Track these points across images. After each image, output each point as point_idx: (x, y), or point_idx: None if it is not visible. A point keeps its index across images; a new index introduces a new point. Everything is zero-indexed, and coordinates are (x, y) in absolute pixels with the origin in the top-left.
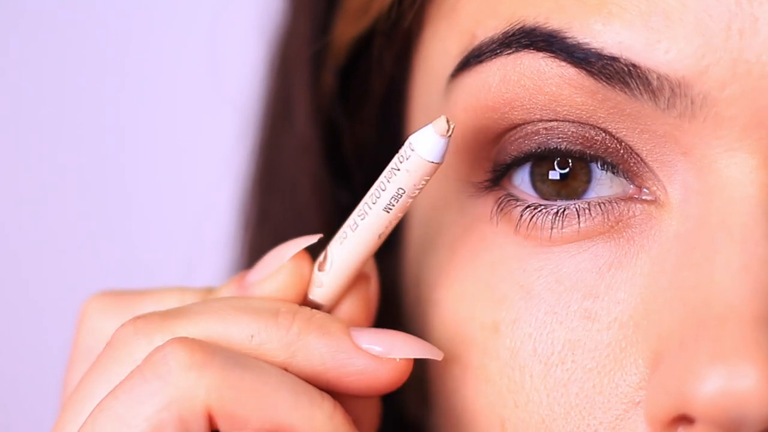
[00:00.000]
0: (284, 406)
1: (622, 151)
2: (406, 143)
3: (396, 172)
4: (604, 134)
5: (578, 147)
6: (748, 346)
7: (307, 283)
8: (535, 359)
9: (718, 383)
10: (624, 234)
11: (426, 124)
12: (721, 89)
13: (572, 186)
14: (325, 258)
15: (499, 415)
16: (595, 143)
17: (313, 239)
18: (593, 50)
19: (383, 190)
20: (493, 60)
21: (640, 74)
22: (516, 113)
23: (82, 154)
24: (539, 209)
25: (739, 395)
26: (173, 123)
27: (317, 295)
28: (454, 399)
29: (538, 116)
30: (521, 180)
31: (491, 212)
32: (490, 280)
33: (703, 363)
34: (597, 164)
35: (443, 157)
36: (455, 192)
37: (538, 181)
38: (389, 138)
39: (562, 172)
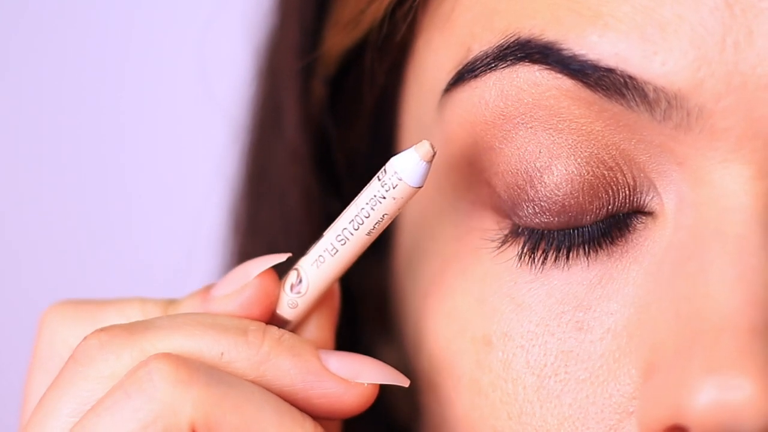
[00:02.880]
0: (268, 425)
1: (622, 186)
2: (390, 170)
3: (381, 200)
4: (601, 180)
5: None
6: (742, 357)
7: (274, 301)
8: (527, 371)
9: (713, 394)
10: (617, 248)
11: (410, 145)
12: (717, 101)
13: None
14: (299, 280)
15: (493, 427)
16: (600, 197)
17: (281, 258)
18: (589, 62)
19: (367, 217)
20: (489, 74)
21: (637, 86)
22: (519, 131)
23: (72, 159)
24: (546, 242)
25: (734, 407)
26: (163, 130)
27: (287, 313)
28: (447, 411)
29: (538, 132)
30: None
31: (496, 243)
32: (481, 293)
33: (697, 374)
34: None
35: (425, 181)
36: (450, 205)
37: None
38: (380, 148)
39: None
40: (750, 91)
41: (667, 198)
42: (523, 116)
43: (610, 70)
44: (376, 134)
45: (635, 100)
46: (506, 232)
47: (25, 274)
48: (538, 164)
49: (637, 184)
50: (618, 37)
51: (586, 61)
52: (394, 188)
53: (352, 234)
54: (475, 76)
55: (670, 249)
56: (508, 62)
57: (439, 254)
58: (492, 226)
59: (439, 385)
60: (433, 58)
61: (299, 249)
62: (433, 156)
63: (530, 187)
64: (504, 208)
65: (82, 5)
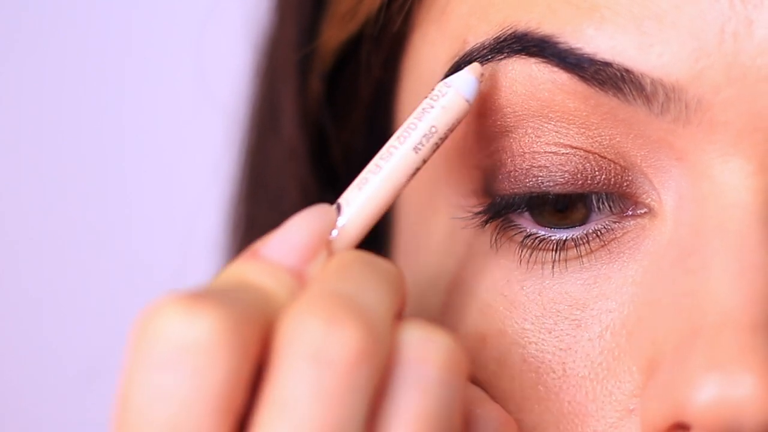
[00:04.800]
0: None
1: (613, 174)
2: (440, 84)
3: (430, 110)
4: (593, 162)
5: (570, 188)
6: (744, 353)
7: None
8: (524, 368)
9: (714, 391)
10: (614, 249)
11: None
12: (716, 93)
13: (572, 218)
14: (339, 207)
15: None
16: (587, 178)
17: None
18: (586, 55)
19: (413, 129)
20: (484, 66)
21: (634, 79)
22: (508, 120)
23: (68, 158)
24: (539, 240)
25: (736, 403)
26: (160, 129)
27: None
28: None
29: (529, 123)
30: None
31: (490, 239)
32: (475, 290)
33: (699, 370)
34: (593, 198)
35: (474, 98)
36: (444, 198)
37: (536, 215)
38: (377, 142)
39: (560, 208)
40: (750, 82)
41: (666, 194)
42: (515, 106)
43: (607, 64)
44: (372, 128)
45: (632, 94)
46: (498, 230)
47: (25, 274)
48: (531, 148)
49: (633, 179)
50: (614, 29)
51: (582, 55)
52: (444, 96)
53: (396, 148)
54: None
55: (670, 246)
56: (504, 54)
57: (434, 251)
58: (484, 227)
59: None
60: (429, 50)
61: None
62: (482, 77)
63: (520, 169)
64: (492, 192)
65: (80, 1)
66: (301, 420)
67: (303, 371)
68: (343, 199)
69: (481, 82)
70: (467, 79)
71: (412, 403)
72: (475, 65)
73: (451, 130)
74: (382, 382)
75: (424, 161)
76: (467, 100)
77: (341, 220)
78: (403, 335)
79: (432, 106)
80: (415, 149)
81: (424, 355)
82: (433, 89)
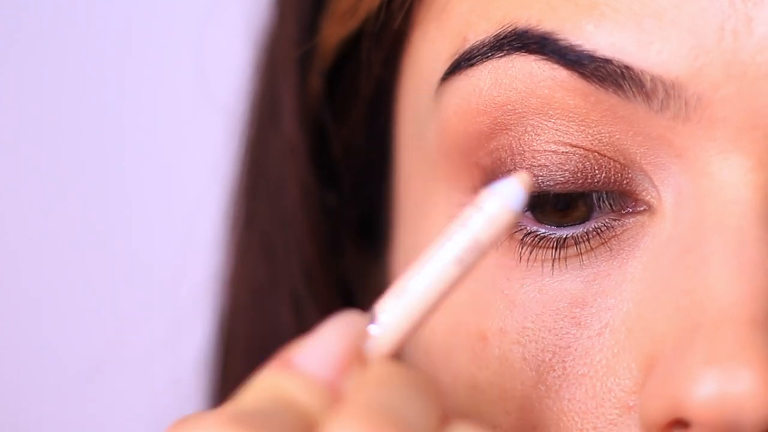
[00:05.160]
0: None
1: (613, 172)
2: (483, 193)
3: (470, 219)
4: (593, 161)
5: (571, 187)
6: (743, 349)
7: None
8: (525, 367)
9: (714, 386)
10: (613, 247)
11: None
12: (715, 90)
13: (573, 216)
14: (374, 314)
15: (490, 423)
16: (587, 177)
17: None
18: (586, 52)
19: (456, 239)
20: (484, 63)
21: (633, 76)
22: (508, 117)
23: (68, 156)
24: (539, 238)
25: (735, 398)
26: (160, 126)
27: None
28: (444, 406)
29: (529, 121)
30: None
31: None
32: (475, 288)
33: (698, 366)
34: (593, 197)
35: (521, 207)
36: (444, 196)
37: (537, 213)
38: (377, 139)
39: (561, 207)
40: (749, 80)
41: (665, 191)
42: (515, 103)
43: (607, 60)
44: (372, 125)
45: (632, 90)
46: None
47: (25, 274)
48: (530, 147)
49: (633, 177)
50: (614, 26)
51: (582, 52)
52: (486, 205)
53: (437, 260)
54: (471, 65)
55: (669, 243)
56: (504, 52)
57: None
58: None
59: (437, 381)
60: (430, 47)
61: (296, 243)
62: (530, 185)
63: (520, 168)
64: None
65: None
66: None
67: None
68: (380, 307)
69: (528, 189)
70: (515, 188)
71: None
72: (523, 175)
73: (493, 238)
74: None
75: (465, 274)
76: (512, 210)
77: (377, 329)
78: None
79: (473, 215)
80: (457, 262)
81: None
82: (479, 196)
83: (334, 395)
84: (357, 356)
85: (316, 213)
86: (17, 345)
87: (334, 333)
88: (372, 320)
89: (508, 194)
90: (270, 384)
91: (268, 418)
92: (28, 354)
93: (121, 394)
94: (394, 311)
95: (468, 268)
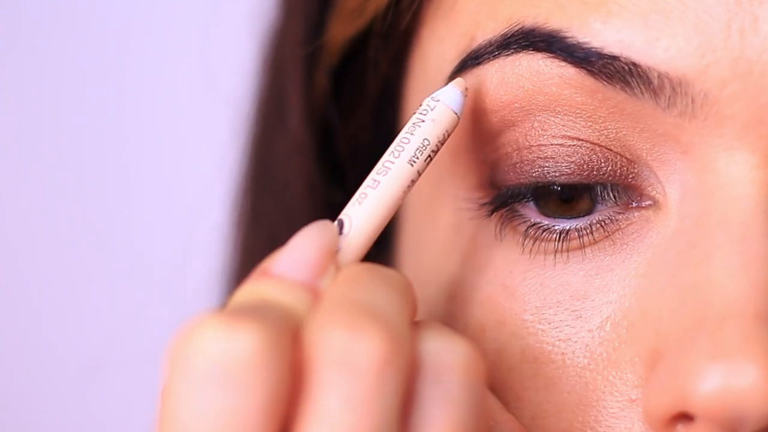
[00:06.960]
0: None
1: (619, 166)
2: (427, 99)
3: (420, 123)
4: (599, 154)
5: (576, 179)
6: (748, 343)
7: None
8: (523, 359)
9: (718, 381)
10: (617, 240)
11: None
12: (722, 88)
13: (577, 208)
14: (341, 222)
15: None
16: (593, 169)
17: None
18: (593, 49)
19: (407, 143)
20: (492, 62)
21: (641, 73)
22: (515, 114)
23: (72, 154)
24: (543, 230)
25: (739, 393)
26: (166, 123)
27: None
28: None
29: (537, 117)
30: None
31: (494, 230)
32: (478, 281)
33: (702, 360)
34: (598, 189)
35: (461, 112)
36: (450, 193)
37: (542, 205)
38: (383, 138)
39: (566, 198)
40: (755, 77)
41: (671, 188)
42: (522, 101)
43: (614, 57)
44: (379, 124)
45: (639, 88)
46: (503, 220)
47: (25, 274)
48: (537, 141)
49: (639, 172)
50: (621, 23)
51: (590, 49)
52: (432, 110)
53: (393, 162)
54: (478, 64)
55: (674, 238)
56: (512, 50)
57: (440, 244)
58: (490, 216)
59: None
60: (438, 47)
61: None
62: (466, 88)
63: (526, 161)
64: (498, 184)
65: None
66: (338, 429)
67: (334, 380)
68: (344, 215)
69: (465, 95)
70: (453, 93)
71: (440, 413)
72: (459, 80)
73: (442, 142)
74: (407, 390)
75: (419, 173)
76: (455, 113)
77: (345, 235)
78: (422, 343)
79: (422, 120)
80: (410, 162)
81: (447, 362)
82: (420, 105)
83: (315, 297)
84: (331, 260)
85: (321, 210)
86: (17, 345)
87: (307, 240)
88: (339, 227)
89: (448, 98)
90: (253, 291)
91: (259, 312)
92: (28, 354)
93: (121, 394)
94: (359, 215)
95: (420, 166)
